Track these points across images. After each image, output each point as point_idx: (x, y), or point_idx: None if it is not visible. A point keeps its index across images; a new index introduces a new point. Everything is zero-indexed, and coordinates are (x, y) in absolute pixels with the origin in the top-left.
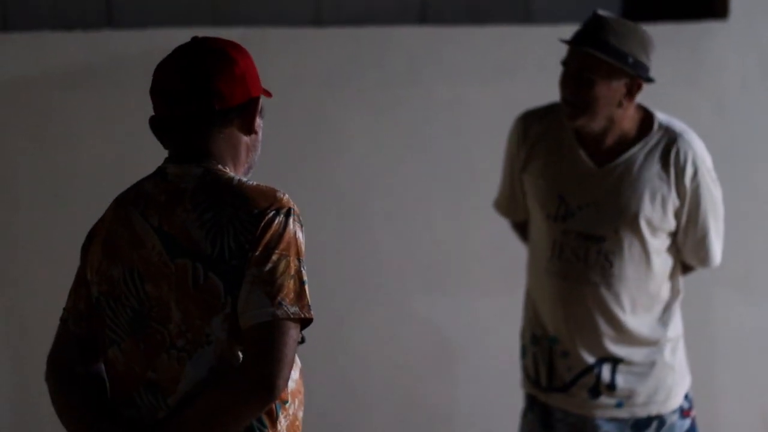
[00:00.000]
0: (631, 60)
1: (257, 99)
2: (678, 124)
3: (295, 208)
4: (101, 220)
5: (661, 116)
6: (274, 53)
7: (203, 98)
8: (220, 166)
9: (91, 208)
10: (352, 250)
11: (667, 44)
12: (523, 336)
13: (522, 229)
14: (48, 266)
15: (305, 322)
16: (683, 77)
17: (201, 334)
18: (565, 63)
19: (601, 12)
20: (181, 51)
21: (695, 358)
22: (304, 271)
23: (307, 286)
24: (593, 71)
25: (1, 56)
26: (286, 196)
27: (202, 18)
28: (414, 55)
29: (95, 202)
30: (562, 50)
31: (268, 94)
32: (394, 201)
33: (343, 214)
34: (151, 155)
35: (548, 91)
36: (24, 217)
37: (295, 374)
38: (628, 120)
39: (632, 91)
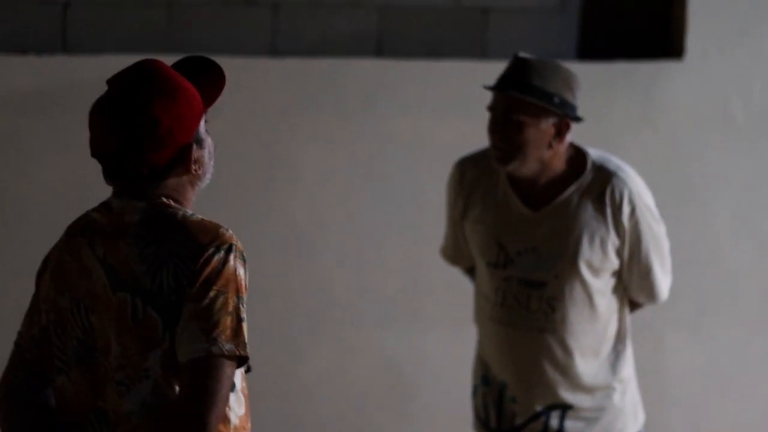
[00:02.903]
0: (557, 100)
1: (189, 145)
2: (612, 162)
3: (238, 245)
4: (54, 248)
5: (594, 154)
6: (229, 82)
7: (131, 166)
8: (164, 199)
9: (42, 236)
10: (303, 281)
11: (622, 83)
12: (474, 375)
13: (473, 274)
14: None
15: (241, 361)
16: (638, 116)
17: (139, 368)
18: (492, 108)
19: (523, 54)
20: (107, 103)
21: (647, 398)
22: (243, 309)
23: (245, 324)
24: (521, 114)
25: None
26: (230, 232)
27: (157, 45)
28: (369, 88)
29: (46, 229)
30: None
31: (214, 93)
32: (346, 233)
33: (295, 245)
34: (104, 183)
35: None
36: None
37: (239, 410)
38: (559, 160)
39: (561, 131)
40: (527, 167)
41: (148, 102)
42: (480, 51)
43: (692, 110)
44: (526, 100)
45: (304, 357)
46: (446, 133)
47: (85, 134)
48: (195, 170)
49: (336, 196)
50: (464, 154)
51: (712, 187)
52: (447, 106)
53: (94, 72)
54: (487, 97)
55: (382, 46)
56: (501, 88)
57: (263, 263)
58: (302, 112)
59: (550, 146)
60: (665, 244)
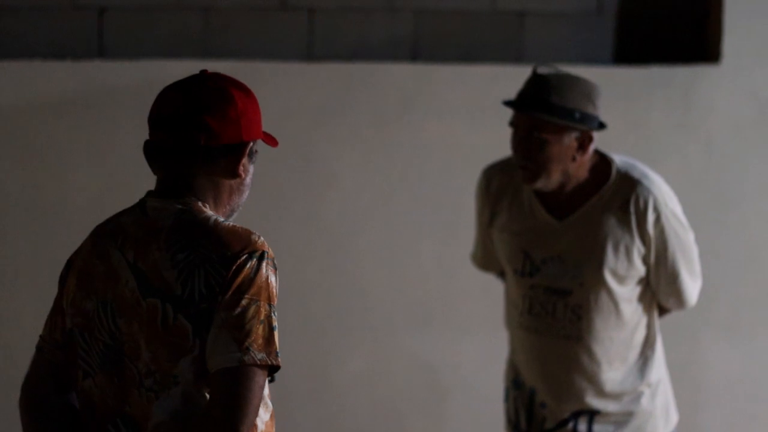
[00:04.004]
0: (578, 115)
1: (247, 143)
2: (637, 170)
3: (270, 252)
4: (79, 251)
5: (618, 161)
6: (265, 87)
7: (190, 130)
8: (199, 203)
9: (79, 239)
10: (340, 286)
11: (658, 88)
12: (506, 378)
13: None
14: (35, 296)
15: (273, 369)
16: (674, 120)
17: (169, 375)
18: (514, 125)
19: (540, 70)
20: (184, 81)
21: (681, 401)
22: (274, 317)
23: (276, 332)
24: (543, 132)
25: None
26: (261, 239)
27: (193, 51)
28: (405, 93)
29: (83, 232)
30: None
31: (270, 141)
32: (382, 237)
33: (331, 250)
34: (140, 186)
35: None
36: (11, 247)
37: (265, 416)
38: (583, 170)
39: (584, 144)
40: (553, 182)
41: (226, 86)
42: (516, 55)
43: (729, 114)
44: (547, 119)
45: (339, 360)
46: (482, 137)
47: (122, 138)
48: (240, 174)
49: (372, 200)
50: (492, 161)
51: (749, 191)
52: (483, 111)
53: (130, 77)
54: None
55: (418, 51)
56: (521, 108)
57: (299, 267)
58: (338, 116)
59: (573, 159)
60: (693, 251)
